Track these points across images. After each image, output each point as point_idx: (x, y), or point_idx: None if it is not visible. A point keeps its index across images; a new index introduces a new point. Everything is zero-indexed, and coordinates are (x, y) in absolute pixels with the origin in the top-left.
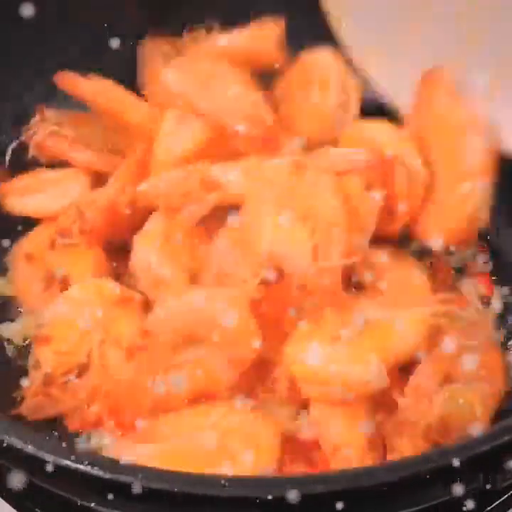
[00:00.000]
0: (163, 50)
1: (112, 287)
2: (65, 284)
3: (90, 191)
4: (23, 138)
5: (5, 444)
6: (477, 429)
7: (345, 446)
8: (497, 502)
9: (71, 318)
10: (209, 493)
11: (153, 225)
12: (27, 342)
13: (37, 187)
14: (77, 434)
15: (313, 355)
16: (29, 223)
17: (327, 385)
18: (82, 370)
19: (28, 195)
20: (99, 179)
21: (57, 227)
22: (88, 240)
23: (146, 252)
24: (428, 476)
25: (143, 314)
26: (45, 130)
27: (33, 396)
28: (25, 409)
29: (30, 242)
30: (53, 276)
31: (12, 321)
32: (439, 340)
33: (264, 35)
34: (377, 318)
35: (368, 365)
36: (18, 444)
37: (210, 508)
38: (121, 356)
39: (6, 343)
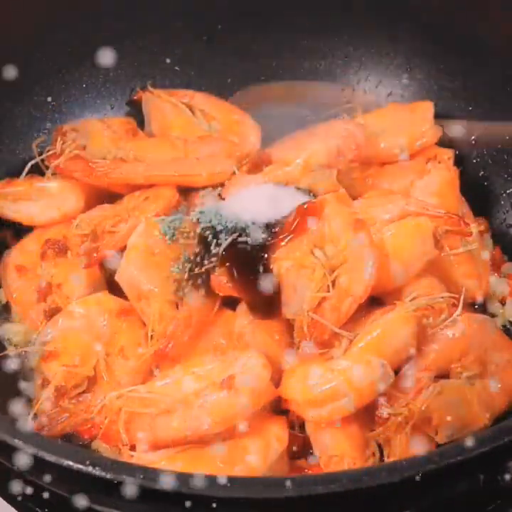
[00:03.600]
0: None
1: (112, 300)
2: (59, 296)
3: (84, 205)
4: (43, 157)
5: (5, 445)
6: (476, 428)
7: (340, 457)
8: (497, 502)
9: (75, 333)
10: (210, 494)
11: (137, 239)
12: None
13: (31, 195)
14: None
15: (312, 376)
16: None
17: (332, 402)
18: (90, 383)
19: (22, 201)
20: (94, 194)
21: (50, 239)
22: (89, 263)
23: (129, 266)
24: (428, 477)
25: (143, 324)
26: (67, 155)
27: (47, 411)
28: (40, 425)
29: (21, 252)
30: (47, 288)
31: (12, 321)
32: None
33: None
34: (367, 326)
35: (370, 364)
36: (19, 444)
37: (210, 508)
38: (126, 367)
39: (6, 343)
